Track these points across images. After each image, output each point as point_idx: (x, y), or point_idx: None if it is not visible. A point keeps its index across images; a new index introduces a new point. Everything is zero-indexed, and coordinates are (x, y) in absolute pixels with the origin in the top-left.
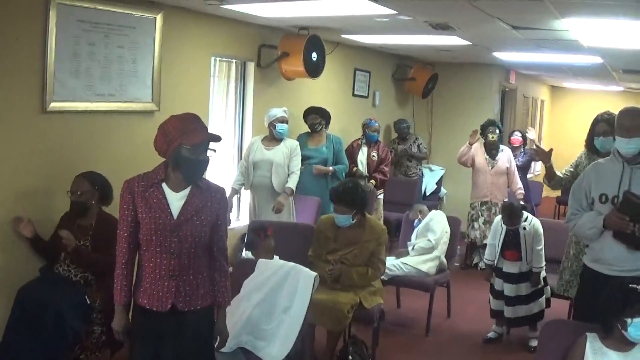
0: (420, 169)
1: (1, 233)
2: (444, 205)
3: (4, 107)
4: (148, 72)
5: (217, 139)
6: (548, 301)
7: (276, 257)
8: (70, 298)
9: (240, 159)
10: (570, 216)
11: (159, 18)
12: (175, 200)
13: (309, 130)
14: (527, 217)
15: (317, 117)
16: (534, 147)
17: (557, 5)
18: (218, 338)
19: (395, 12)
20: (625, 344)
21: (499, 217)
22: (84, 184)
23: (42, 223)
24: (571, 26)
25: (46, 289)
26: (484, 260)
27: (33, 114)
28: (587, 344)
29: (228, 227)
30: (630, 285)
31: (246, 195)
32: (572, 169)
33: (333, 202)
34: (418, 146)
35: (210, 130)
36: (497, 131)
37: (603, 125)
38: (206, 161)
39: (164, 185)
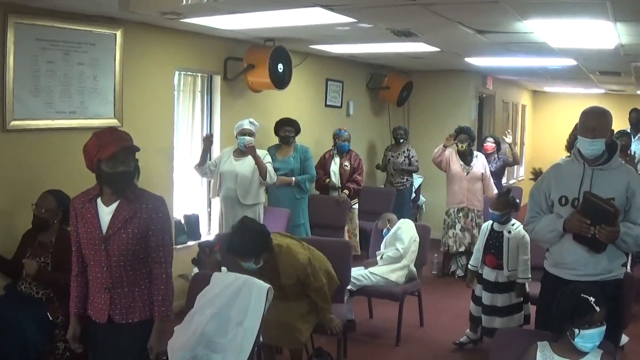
0: (406, 179)
1: None
2: (423, 214)
3: None
4: (109, 88)
5: (134, 149)
6: (527, 318)
7: (224, 269)
8: (32, 315)
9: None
10: (529, 219)
11: (118, 34)
12: (105, 214)
13: (278, 143)
14: (514, 223)
15: (291, 129)
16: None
17: (514, 5)
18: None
19: (354, 20)
20: (576, 353)
21: (487, 222)
22: (50, 202)
23: (4, 241)
24: (535, 28)
25: (9, 306)
26: (469, 265)
27: None
28: (538, 352)
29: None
30: (582, 295)
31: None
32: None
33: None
34: (410, 159)
35: (134, 143)
36: (467, 139)
37: None
38: (127, 172)
39: (98, 200)
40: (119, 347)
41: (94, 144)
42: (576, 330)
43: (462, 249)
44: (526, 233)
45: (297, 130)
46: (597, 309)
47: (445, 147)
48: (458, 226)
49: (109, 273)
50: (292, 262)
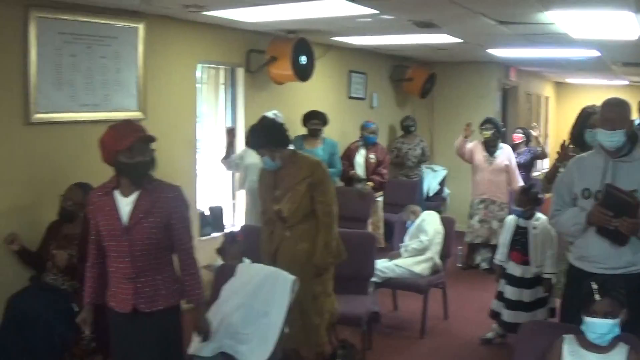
0: (421, 170)
1: None
2: (447, 206)
3: None
4: (132, 81)
5: (150, 139)
6: (552, 311)
7: (248, 261)
8: (57, 306)
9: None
10: (553, 212)
11: (141, 27)
12: (125, 205)
13: (306, 134)
14: (538, 217)
15: (319, 122)
16: (539, 148)
17: None
18: (198, 335)
19: (376, 11)
20: (602, 347)
21: (511, 217)
22: (77, 195)
23: (28, 233)
24: (556, 19)
25: (34, 298)
26: (495, 260)
27: (17, 125)
28: (564, 346)
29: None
30: (590, 282)
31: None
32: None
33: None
34: (423, 149)
35: (156, 135)
36: (492, 128)
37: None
38: (145, 162)
39: (115, 192)
40: (144, 336)
41: (110, 136)
42: (584, 318)
43: (477, 240)
44: (552, 228)
45: (325, 122)
46: (597, 297)
47: (465, 137)
48: (477, 217)
49: (132, 263)
50: (310, 160)
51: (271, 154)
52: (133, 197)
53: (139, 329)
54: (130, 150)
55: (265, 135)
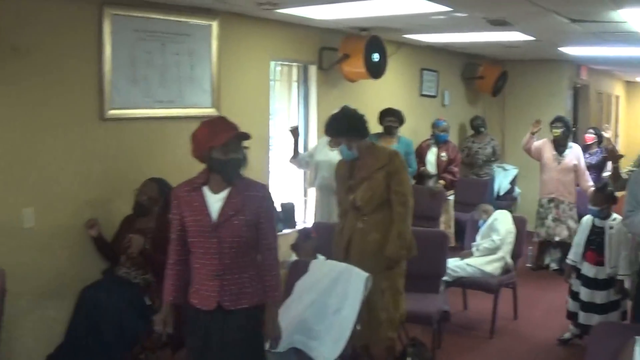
0: (492, 169)
1: (67, 236)
2: (518, 205)
3: (64, 115)
4: (206, 78)
5: (244, 136)
6: (624, 314)
7: (322, 257)
8: (129, 300)
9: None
10: (627, 213)
11: (215, 25)
12: (215, 202)
13: (380, 132)
14: (614, 218)
15: (394, 119)
16: (610, 146)
17: None
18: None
19: (450, 9)
20: None
21: (587, 217)
22: (153, 189)
23: (103, 227)
24: (629, 17)
25: (107, 291)
26: (568, 259)
27: (92, 121)
28: (636, 347)
29: (275, 224)
30: None
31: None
32: (635, 168)
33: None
34: (494, 147)
35: (242, 130)
36: (562, 126)
37: None
38: (238, 159)
39: (204, 188)
40: (227, 334)
41: (204, 132)
42: None
43: (554, 239)
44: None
45: (401, 121)
46: None
47: (532, 133)
48: (550, 217)
49: (219, 260)
50: (387, 150)
51: (349, 143)
52: (223, 194)
53: (222, 327)
54: (224, 147)
55: (346, 123)
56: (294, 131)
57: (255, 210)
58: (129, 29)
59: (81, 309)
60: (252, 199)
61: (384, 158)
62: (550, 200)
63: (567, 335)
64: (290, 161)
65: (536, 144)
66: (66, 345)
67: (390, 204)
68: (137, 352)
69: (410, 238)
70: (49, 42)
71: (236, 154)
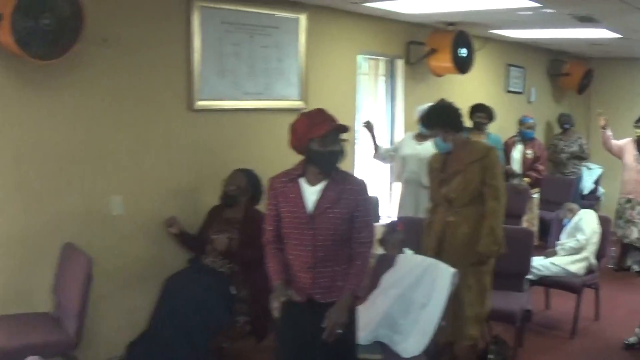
0: (578, 168)
1: (154, 225)
2: (601, 205)
3: (155, 105)
4: (294, 70)
5: (343, 129)
6: None
7: (409, 252)
8: (215, 288)
9: None
10: None
11: (303, 18)
12: (311, 193)
13: (470, 127)
14: None
15: (483, 115)
16: None
17: None
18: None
19: (538, 4)
20: None
21: None
22: (241, 180)
23: (189, 217)
24: None
25: (191, 280)
26: None
27: (181, 112)
28: None
29: (371, 219)
30: None
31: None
32: None
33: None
34: (581, 145)
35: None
36: None
37: None
38: (337, 152)
39: (301, 180)
40: (318, 327)
41: (304, 123)
42: None
43: (625, 241)
44: None
45: (491, 117)
46: None
47: (602, 128)
48: (624, 217)
49: (313, 252)
50: (482, 144)
51: (444, 135)
52: (320, 186)
53: (313, 320)
54: (323, 139)
55: (443, 115)
56: (368, 125)
57: (352, 204)
58: (217, 21)
59: (165, 297)
60: (349, 192)
61: (480, 152)
62: (628, 201)
63: (632, 339)
64: (374, 157)
65: (619, 142)
66: (149, 333)
67: (482, 199)
68: (220, 341)
69: (501, 234)
70: (138, 33)
71: (334, 146)
